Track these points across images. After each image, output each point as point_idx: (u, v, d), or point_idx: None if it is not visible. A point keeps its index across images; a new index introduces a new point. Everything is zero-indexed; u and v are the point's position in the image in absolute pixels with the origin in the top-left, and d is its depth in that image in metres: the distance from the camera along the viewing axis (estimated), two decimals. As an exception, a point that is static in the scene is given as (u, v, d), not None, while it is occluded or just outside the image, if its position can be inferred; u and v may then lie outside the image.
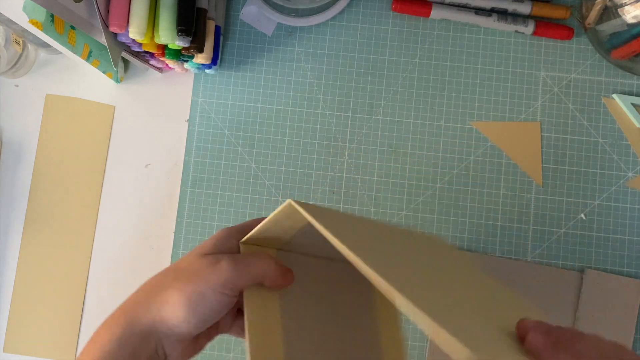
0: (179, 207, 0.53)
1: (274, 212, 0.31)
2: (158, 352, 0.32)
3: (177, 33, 0.45)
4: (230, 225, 0.37)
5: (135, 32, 0.44)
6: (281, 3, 0.55)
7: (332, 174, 0.53)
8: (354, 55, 0.54)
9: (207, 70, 0.53)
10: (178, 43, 0.45)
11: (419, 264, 0.32)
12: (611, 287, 0.50)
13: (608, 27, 0.49)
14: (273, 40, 0.55)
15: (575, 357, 0.26)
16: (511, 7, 0.52)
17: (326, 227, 0.27)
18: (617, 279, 0.50)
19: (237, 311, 0.36)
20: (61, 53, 0.47)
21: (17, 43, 0.52)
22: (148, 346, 0.31)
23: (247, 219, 0.37)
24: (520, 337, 0.28)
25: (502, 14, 0.53)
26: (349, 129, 0.54)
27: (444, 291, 0.29)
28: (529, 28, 0.52)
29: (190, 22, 0.45)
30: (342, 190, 0.53)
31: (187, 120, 0.54)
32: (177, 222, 0.53)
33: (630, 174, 0.52)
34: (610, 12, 0.49)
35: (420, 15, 0.53)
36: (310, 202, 0.53)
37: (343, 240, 0.26)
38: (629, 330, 0.50)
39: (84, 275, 0.53)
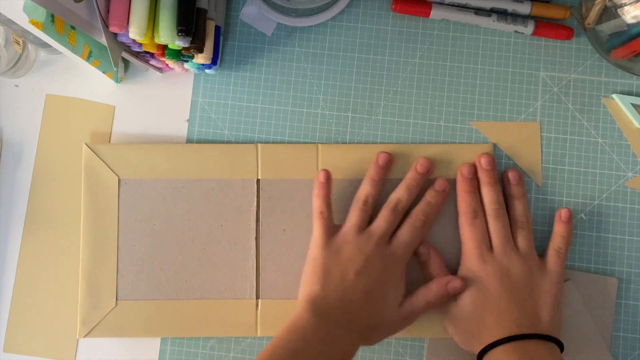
0: (179, 207, 0.53)
1: None
2: None
3: (177, 33, 0.45)
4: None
5: (135, 32, 0.44)
6: (281, 3, 0.55)
7: (332, 174, 0.53)
8: (354, 55, 0.54)
9: (207, 70, 0.53)
10: (178, 43, 0.45)
11: None
12: (590, 285, 0.51)
13: (608, 27, 0.49)
14: (273, 40, 0.55)
15: None
16: (511, 7, 0.52)
17: None
18: (596, 277, 0.51)
19: None
20: (61, 53, 0.47)
21: (17, 43, 0.52)
22: None
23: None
24: None
25: (502, 14, 0.53)
26: (348, 129, 0.54)
27: None
28: (529, 28, 0.52)
29: (190, 22, 0.45)
30: (342, 190, 0.53)
31: (187, 120, 0.54)
32: (177, 222, 0.53)
33: (629, 174, 0.52)
34: (609, 12, 0.49)
35: (420, 15, 0.53)
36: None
37: None
38: (608, 325, 0.50)
39: (84, 275, 0.53)
